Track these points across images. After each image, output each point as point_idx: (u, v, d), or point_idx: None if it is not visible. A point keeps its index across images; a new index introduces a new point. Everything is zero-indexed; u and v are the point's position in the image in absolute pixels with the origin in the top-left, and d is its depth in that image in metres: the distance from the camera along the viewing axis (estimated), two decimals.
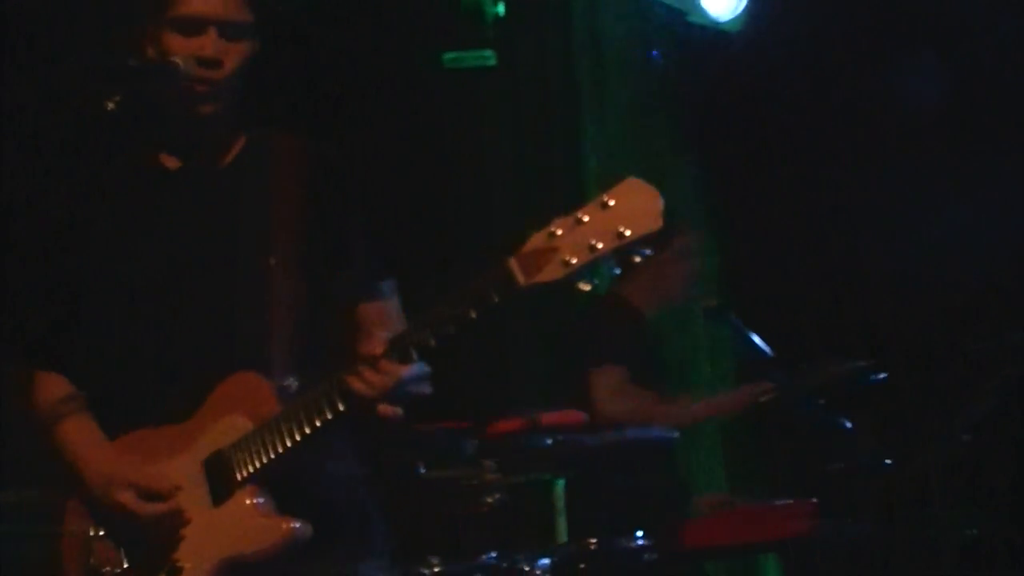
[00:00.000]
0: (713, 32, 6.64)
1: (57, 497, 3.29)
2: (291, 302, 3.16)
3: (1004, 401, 5.42)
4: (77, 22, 3.33)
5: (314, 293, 3.21)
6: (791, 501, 5.23)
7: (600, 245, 2.70)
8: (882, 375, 5.42)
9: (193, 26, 3.18)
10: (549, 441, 4.70)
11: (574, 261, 2.71)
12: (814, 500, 5.16)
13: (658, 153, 6.93)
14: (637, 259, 2.74)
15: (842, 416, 5.25)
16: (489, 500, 4.63)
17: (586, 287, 2.74)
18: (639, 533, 4.73)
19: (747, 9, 6.50)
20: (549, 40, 6.94)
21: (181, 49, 3.16)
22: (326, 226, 3.25)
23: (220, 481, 3.07)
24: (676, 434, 5.14)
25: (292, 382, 3.11)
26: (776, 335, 5.61)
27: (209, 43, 3.17)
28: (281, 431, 3.00)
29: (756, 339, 5.17)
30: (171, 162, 3.31)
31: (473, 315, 2.80)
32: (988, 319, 6.09)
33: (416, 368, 2.97)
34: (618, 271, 2.80)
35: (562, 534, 4.85)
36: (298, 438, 2.99)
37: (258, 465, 3.03)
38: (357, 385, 2.93)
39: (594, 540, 4.67)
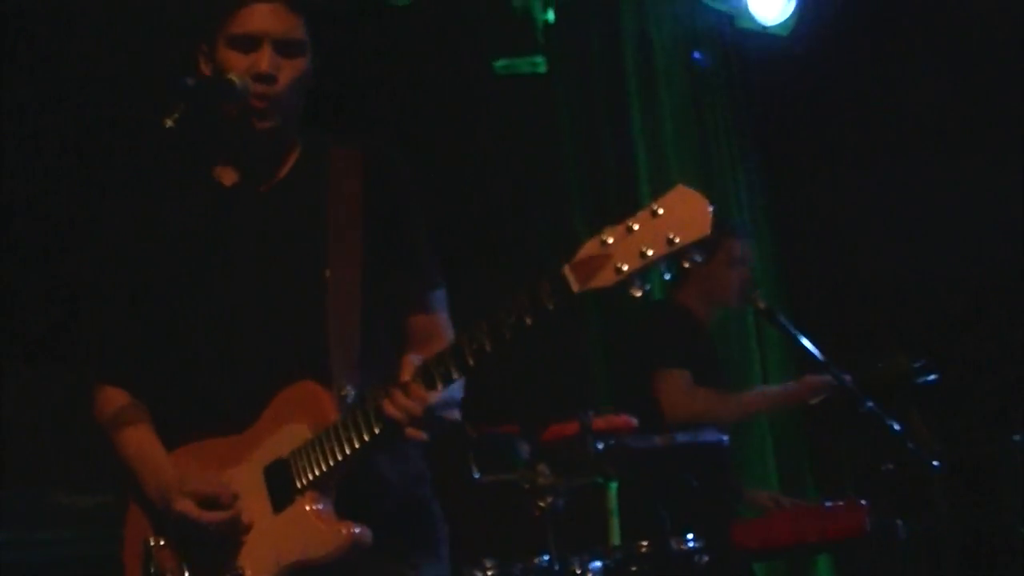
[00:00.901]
0: (763, 35, 6.66)
1: (121, 503, 3.36)
2: (347, 313, 3.20)
3: None
4: (135, 41, 3.39)
5: (369, 303, 3.25)
6: (843, 502, 5.27)
7: (651, 252, 2.73)
8: (934, 375, 5.45)
9: (249, 43, 3.23)
10: (601, 445, 4.75)
11: (626, 268, 2.75)
12: (866, 501, 5.18)
13: (711, 155, 6.98)
14: (688, 264, 2.75)
15: (893, 416, 5.25)
16: (543, 504, 4.68)
17: (637, 293, 2.78)
18: (690, 535, 4.77)
19: (796, 13, 6.51)
20: (599, 45, 6.99)
21: (237, 65, 3.22)
22: (381, 238, 3.29)
23: (281, 488, 3.12)
24: (726, 437, 5.18)
25: (350, 391, 3.14)
26: (828, 336, 5.63)
27: (265, 59, 3.22)
28: (340, 439, 3.05)
29: (805, 341, 5.19)
30: (228, 177, 3.36)
31: (529, 321, 2.84)
32: None
33: (444, 395, 3.01)
34: (669, 276, 2.81)
35: (615, 537, 4.89)
36: (357, 446, 3.03)
37: (318, 472, 3.07)
38: (389, 409, 2.99)
39: (646, 543, 4.72)
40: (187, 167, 3.40)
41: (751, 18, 6.53)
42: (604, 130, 6.87)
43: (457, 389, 3.11)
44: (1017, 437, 5.57)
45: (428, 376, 2.98)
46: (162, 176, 3.40)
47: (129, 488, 3.31)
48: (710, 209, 2.73)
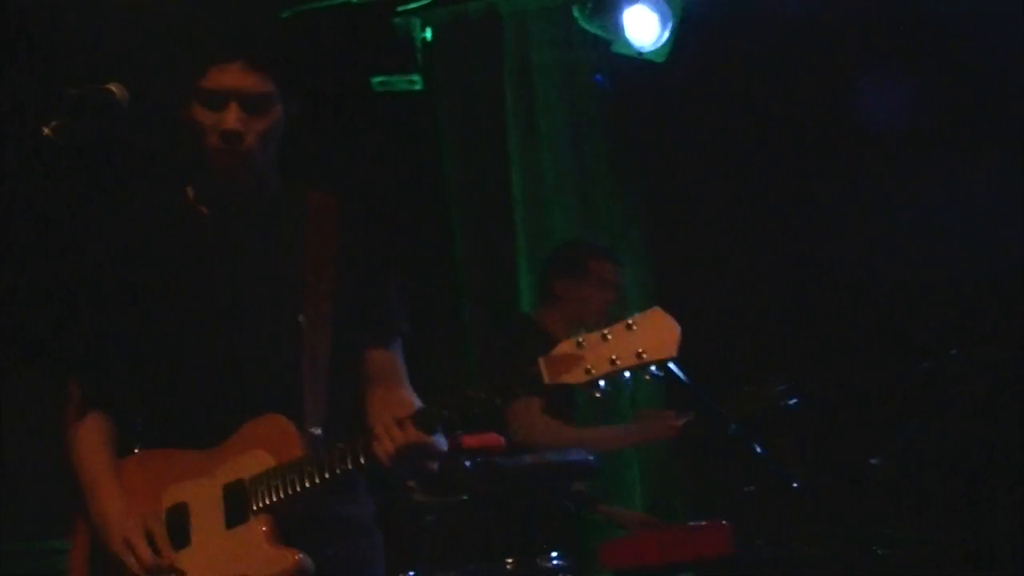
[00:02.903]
0: (641, 61, 6.74)
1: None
2: (319, 357, 3.34)
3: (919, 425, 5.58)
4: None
5: (339, 348, 3.37)
6: (707, 522, 5.36)
7: (619, 361, 2.99)
8: (797, 400, 5.57)
9: (216, 100, 3.29)
10: (470, 463, 4.79)
11: (594, 371, 3.01)
12: (730, 521, 5.28)
13: (588, 180, 7.03)
14: (648, 377, 3.02)
15: (758, 439, 5.36)
16: (419, 521, 4.72)
17: (598, 394, 3.05)
18: (555, 554, 4.82)
19: (671, 40, 6.60)
20: (479, 66, 7.04)
21: (206, 120, 3.30)
22: (354, 285, 3.42)
23: (236, 506, 3.24)
24: (593, 457, 5.24)
25: (317, 431, 3.27)
26: (699, 361, 5.72)
27: (231, 117, 3.28)
28: (303, 472, 3.18)
29: (674, 366, 5.27)
30: (205, 201, 3.44)
31: (499, 403, 3.10)
32: (904, 345, 6.25)
33: (435, 440, 3.20)
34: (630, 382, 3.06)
35: (484, 554, 4.92)
36: (317, 481, 3.17)
37: (275, 498, 3.20)
38: (377, 448, 3.14)
39: (511, 560, 4.77)
40: (162, 188, 3.50)
41: (628, 44, 6.61)
42: (481, 152, 6.93)
43: (440, 441, 3.26)
44: (874, 460, 5.69)
45: (427, 420, 3.15)
46: (143, 200, 3.51)
47: (79, 499, 3.40)
48: (679, 336, 3.00)
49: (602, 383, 3.02)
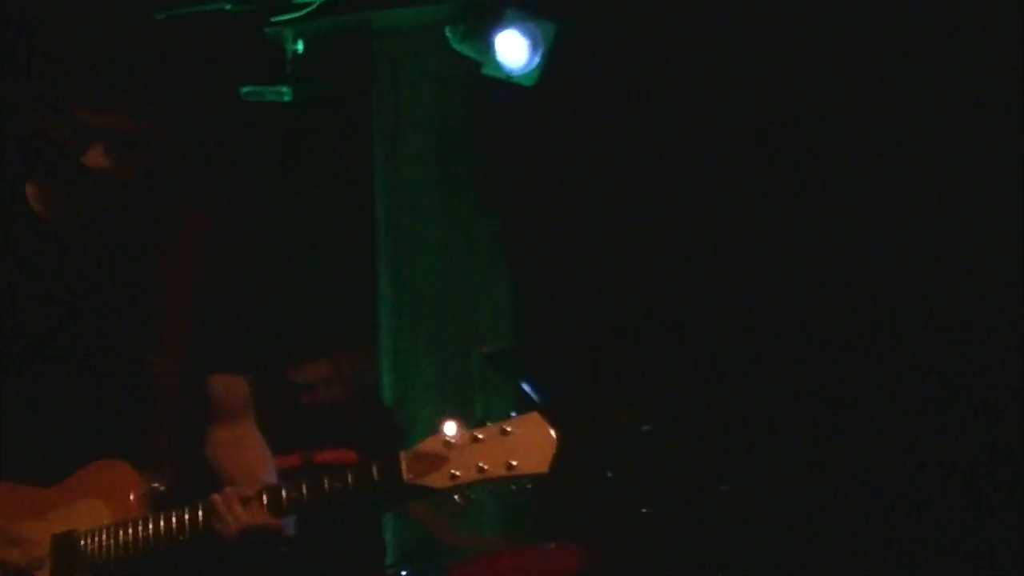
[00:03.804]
0: (510, 84, 6.79)
1: None
2: (167, 394, 3.11)
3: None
4: None
5: (190, 382, 3.17)
6: (555, 545, 5.40)
7: (487, 469, 2.81)
8: (650, 426, 5.64)
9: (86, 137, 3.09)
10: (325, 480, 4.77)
11: (459, 475, 2.82)
12: (578, 544, 5.33)
13: (452, 198, 7.05)
14: (514, 487, 2.85)
15: (610, 463, 5.42)
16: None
17: (460, 500, 2.87)
18: (404, 572, 4.84)
19: (541, 64, 6.66)
20: (348, 80, 7.04)
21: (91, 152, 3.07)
22: (210, 322, 3.18)
23: (64, 560, 3.00)
24: None
25: (159, 486, 3.05)
26: (558, 383, 5.76)
27: (94, 156, 3.07)
28: (137, 533, 2.97)
29: (527, 387, 5.32)
30: (45, 205, 3.17)
31: (352, 492, 2.87)
32: (763, 372, 6.36)
33: (284, 524, 2.98)
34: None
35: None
36: (151, 548, 2.96)
37: (104, 558, 2.96)
38: (216, 525, 2.93)
39: None
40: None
41: (498, 67, 6.66)
42: (347, 165, 6.92)
43: (290, 525, 3.06)
44: (724, 487, 5.78)
45: (274, 502, 2.92)
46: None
47: None
48: (555, 450, 2.82)
49: (467, 491, 2.84)
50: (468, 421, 6.28)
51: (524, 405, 5.63)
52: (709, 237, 6.69)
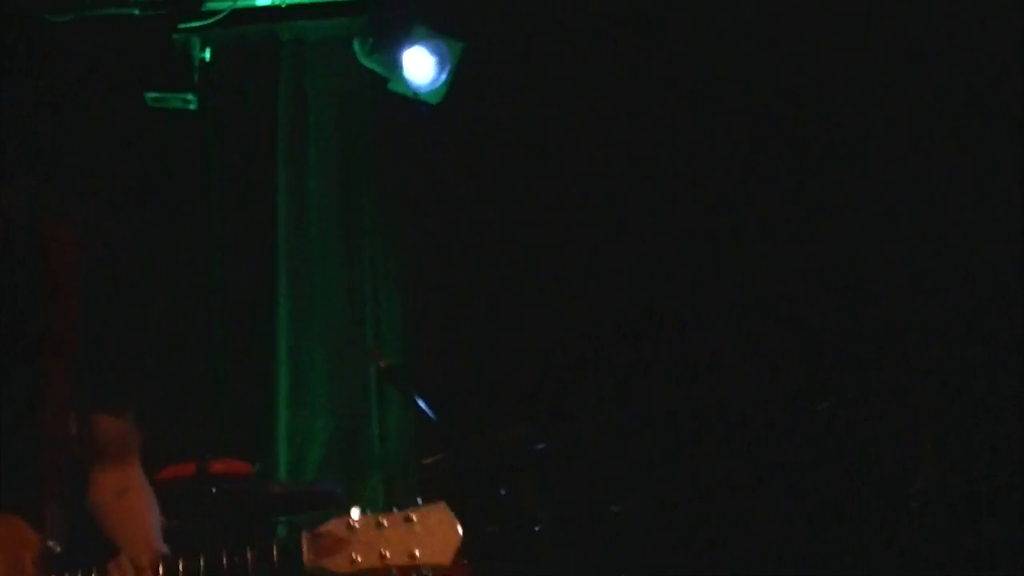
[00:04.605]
0: (416, 101, 6.81)
1: None
2: (57, 446, 2.92)
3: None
4: None
5: (81, 425, 3.00)
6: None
7: (389, 556, 2.79)
8: (544, 444, 5.70)
9: None
10: (215, 489, 4.78)
11: (360, 561, 2.79)
12: (471, 562, 5.36)
13: (352, 213, 7.05)
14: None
15: (503, 481, 5.46)
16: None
17: None
18: None
19: (446, 82, 6.70)
20: (254, 91, 7.03)
21: None
22: (95, 356, 3.01)
23: None
24: (341, 488, 5.28)
25: (55, 546, 2.90)
26: (454, 398, 5.79)
27: None
28: None
29: (422, 403, 5.35)
30: None
31: (249, 569, 2.80)
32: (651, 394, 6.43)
33: None
34: None
35: None
36: None
37: None
38: None
39: None
40: None
41: (404, 83, 6.69)
42: (249, 176, 6.91)
43: None
44: (615, 508, 5.84)
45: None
46: None
47: None
48: (459, 541, 2.82)
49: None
50: (364, 441, 6.37)
51: (421, 423, 5.66)
52: (609, 255, 6.76)
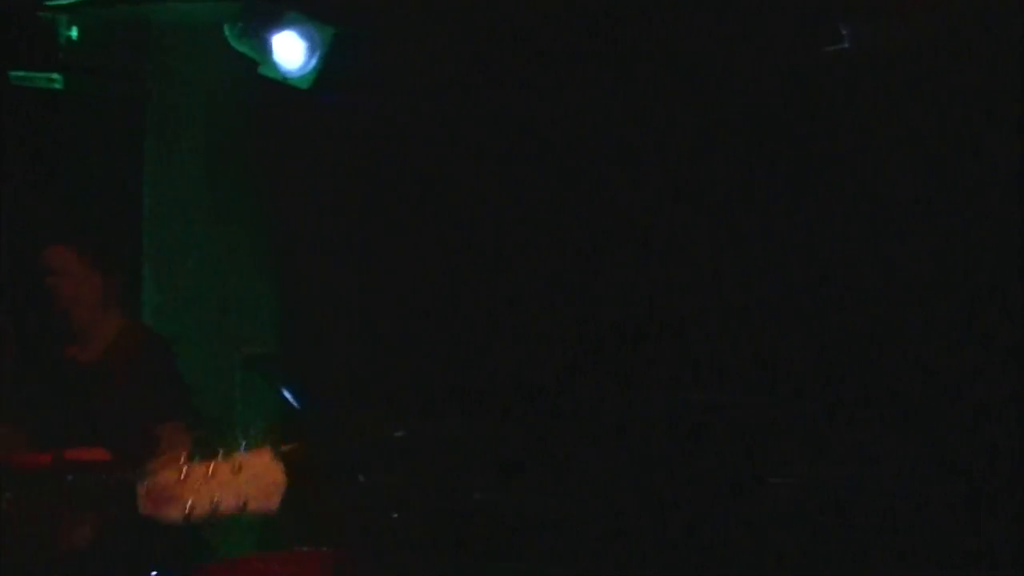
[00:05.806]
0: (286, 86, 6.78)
1: None
2: None
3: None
4: None
5: None
6: (307, 550, 5.44)
7: (221, 505, 2.94)
8: (401, 432, 5.72)
9: None
10: (71, 477, 4.72)
11: (195, 510, 2.93)
12: (330, 548, 5.37)
13: (226, 200, 7.01)
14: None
15: (363, 468, 5.48)
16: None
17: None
18: (154, 573, 4.81)
19: (317, 67, 6.67)
20: (120, 70, 6.96)
21: None
22: None
23: None
24: None
25: None
26: (323, 387, 5.79)
27: None
28: None
29: (287, 392, 5.35)
30: None
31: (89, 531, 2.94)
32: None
33: None
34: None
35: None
36: None
37: None
38: None
39: None
40: None
41: (274, 67, 6.65)
42: (115, 159, 6.84)
43: None
44: (478, 495, 5.88)
45: None
46: None
47: None
48: (284, 485, 2.96)
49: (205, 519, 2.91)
50: (225, 427, 6.35)
51: (286, 411, 5.67)
52: (479, 244, 6.77)
